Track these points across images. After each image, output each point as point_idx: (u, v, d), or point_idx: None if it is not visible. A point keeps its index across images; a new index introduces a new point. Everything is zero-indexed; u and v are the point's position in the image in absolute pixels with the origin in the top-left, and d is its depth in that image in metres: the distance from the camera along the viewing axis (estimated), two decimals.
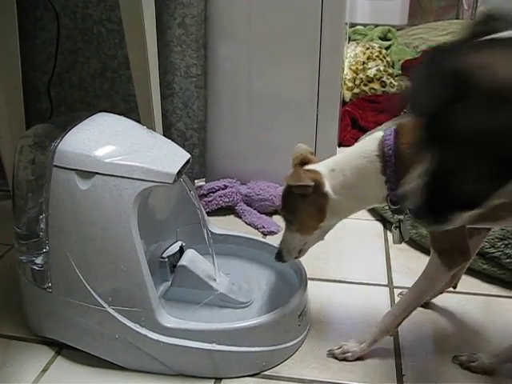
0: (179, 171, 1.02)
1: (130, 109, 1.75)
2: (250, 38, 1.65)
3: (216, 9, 1.64)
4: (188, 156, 1.08)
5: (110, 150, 1.03)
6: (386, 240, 1.54)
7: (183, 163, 1.05)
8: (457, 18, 3.96)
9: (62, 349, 1.10)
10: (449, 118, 0.60)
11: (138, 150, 1.04)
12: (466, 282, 1.31)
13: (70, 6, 1.72)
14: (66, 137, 1.04)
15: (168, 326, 1.02)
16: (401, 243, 1.08)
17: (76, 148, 1.02)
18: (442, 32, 3.27)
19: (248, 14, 1.63)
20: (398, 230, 1.06)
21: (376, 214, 1.66)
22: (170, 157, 1.06)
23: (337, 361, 1.07)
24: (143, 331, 1.02)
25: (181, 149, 1.11)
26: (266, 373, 1.05)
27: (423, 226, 0.77)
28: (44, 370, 1.05)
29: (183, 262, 1.18)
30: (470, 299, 1.27)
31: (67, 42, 1.77)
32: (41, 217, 1.05)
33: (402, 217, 1.04)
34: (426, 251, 1.46)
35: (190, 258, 1.19)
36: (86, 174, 1.00)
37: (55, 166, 1.01)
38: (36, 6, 1.75)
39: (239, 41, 1.66)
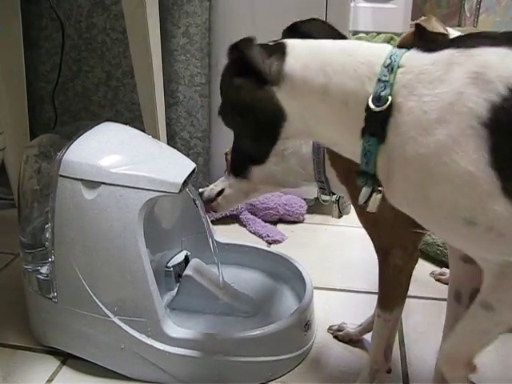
0: (185, 181, 1.02)
1: (134, 118, 1.75)
2: None
3: (220, 18, 1.64)
4: (193, 165, 1.08)
5: (116, 159, 1.03)
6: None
7: (189, 173, 1.05)
8: (459, 25, 3.96)
9: (67, 359, 1.10)
10: (227, 97, 0.83)
11: (143, 159, 1.04)
12: None
13: (74, 15, 1.73)
14: (71, 146, 1.04)
15: (174, 336, 1.01)
16: (339, 218, 1.09)
17: (81, 158, 1.02)
18: None
19: (252, 24, 1.63)
20: (337, 205, 1.09)
21: None
22: (175, 166, 1.06)
23: (343, 370, 1.07)
24: (149, 341, 1.02)
25: (186, 158, 1.11)
26: (271, 383, 1.05)
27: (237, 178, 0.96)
28: (49, 380, 1.05)
29: (188, 271, 1.18)
30: None
31: (71, 51, 1.77)
32: (46, 226, 1.05)
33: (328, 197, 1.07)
34: (430, 259, 1.46)
35: (196, 268, 1.19)
36: (92, 184, 1.00)
37: (61, 175, 1.02)
38: (41, 15, 1.75)
39: None
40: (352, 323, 1.17)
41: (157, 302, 1.01)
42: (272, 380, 1.05)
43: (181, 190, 1.01)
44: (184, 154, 1.14)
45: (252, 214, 1.69)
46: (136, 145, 1.09)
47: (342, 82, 0.72)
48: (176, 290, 1.22)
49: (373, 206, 0.79)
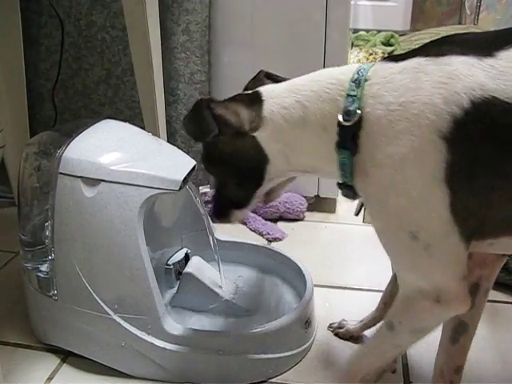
0: (185, 178, 1.02)
1: (134, 115, 1.75)
2: (254, 45, 1.65)
3: (220, 15, 1.63)
4: (194, 163, 1.08)
5: (116, 157, 1.02)
6: None
7: (189, 170, 1.04)
8: (459, 23, 3.95)
9: (67, 356, 1.10)
10: (208, 149, 0.86)
11: (143, 156, 1.04)
12: None
13: (74, 12, 1.73)
14: (71, 144, 1.03)
15: (174, 333, 1.01)
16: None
17: (81, 155, 1.01)
18: None
19: (252, 21, 1.62)
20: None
21: None
22: (175, 164, 1.05)
23: (344, 368, 1.07)
24: (149, 339, 1.01)
25: (186, 155, 1.11)
26: (272, 380, 1.04)
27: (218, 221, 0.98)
28: (50, 378, 1.04)
29: (189, 269, 1.17)
30: None
31: (71, 49, 1.77)
32: (46, 224, 1.05)
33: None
34: None
35: (196, 265, 1.18)
36: (92, 182, 1.00)
37: (61, 173, 1.01)
38: (40, 13, 1.75)
39: (243, 47, 1.66)
40: (352, 320, 1.17)
41: (157, 299, 1.00)
42: (273, 377, 1.05)
43: (181, 188, 1.01)
44: (184, 152, 1.14)
45: (252, 211, 1.68)
46: (136, 142, 1.08)
47: (317, 107, 0.75)
48: (176, 287, 1.22)
49: (367, 217, 0.80)
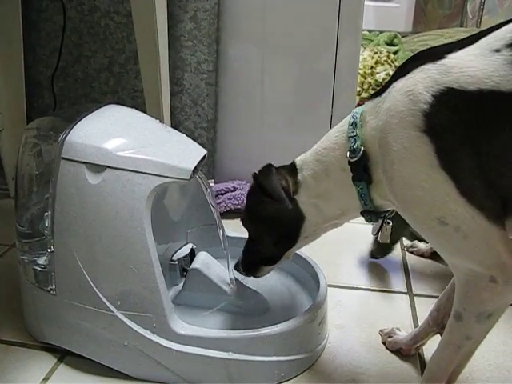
0: (195, 167, 0.96)
1: (137, 105, 1.67)
2: (265, 34, 1.59)
3: (230, 3, 1.58)
4: (204, 152, 1.02)
5: (123, 142, 0.96)
6: (401, 246, 1.48)
7: (200, 159, 0.99)
8: (461, 26, 3.94)
9: (65, 356, 1.04)
10: (254, 207, 0.98)
11: (152, 143, 0.98)
12: None
13: None
14: (75, 128, 0.97)
15: (182, 332, 0.95)
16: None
17: (86, 139, 0.95)
18: (448, 39, 3.23)
19: (263, 9, 1.57)
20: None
21: None
22: (185, 152, 1.00)
23: (359, 372, 1.01)
24: (155, 338, 0.95)
25: (196, 144, 1.05)
26: None
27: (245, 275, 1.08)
28: (45, 379, 0.98)
29: (196, 264, 1.11)
30: None
31: (73, 35, 1.72)
32: (46, 214, 0.99)
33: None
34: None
35: (203, 261, 1.13)
36: (97, 168, 0.93)
37: (63, 158, 0.95)
38: None
39: (253, 37, 1.60)
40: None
41: (164, 296, 0.94)
42: (285, 381, 0.99)
43: (191, 177, 0.95)
44: None
45: None
46: (144, 128, 1.02)
47: (332, 156, 0.88)
48: (180, 285, 1.16)
49: (384, 236, 0.97)
